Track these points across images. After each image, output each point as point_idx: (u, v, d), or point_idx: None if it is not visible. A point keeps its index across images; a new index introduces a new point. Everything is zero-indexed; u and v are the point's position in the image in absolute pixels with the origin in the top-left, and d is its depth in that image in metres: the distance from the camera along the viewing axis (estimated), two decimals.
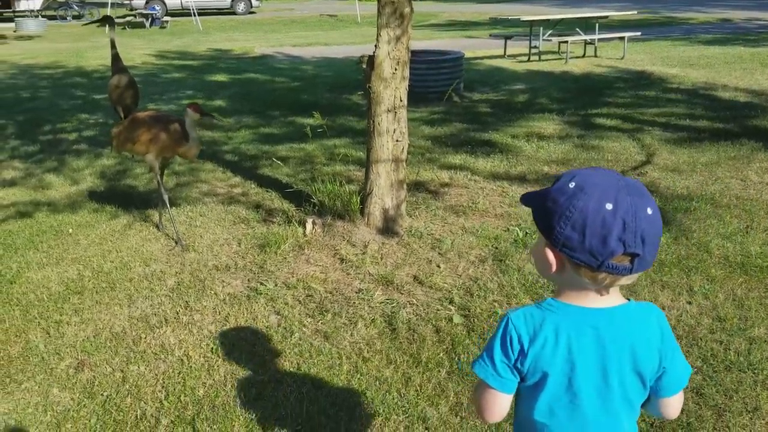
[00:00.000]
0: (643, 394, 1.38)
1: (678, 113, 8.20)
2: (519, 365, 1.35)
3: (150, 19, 23.04)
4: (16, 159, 6.80)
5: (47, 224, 4.89)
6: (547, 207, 1.30)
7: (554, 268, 1.32)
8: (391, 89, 4.16)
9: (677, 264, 4.02)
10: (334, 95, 10.06)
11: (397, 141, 4.29)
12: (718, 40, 16.15)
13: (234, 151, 6.95)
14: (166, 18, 23.89)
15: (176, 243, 4.42)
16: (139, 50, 16.21)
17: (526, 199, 1.40)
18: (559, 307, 1.34)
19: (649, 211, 1.24)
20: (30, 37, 20.98)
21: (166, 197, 4.48)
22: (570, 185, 1.27)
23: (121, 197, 5.51)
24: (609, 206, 1.22)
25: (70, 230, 4.76)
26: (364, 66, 4.25)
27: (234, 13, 28.62)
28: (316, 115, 4.71)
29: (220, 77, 12.27)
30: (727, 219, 4.70)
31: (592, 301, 1.33)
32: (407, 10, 4.10)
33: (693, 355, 3.10)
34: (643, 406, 1.43)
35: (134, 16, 23.71)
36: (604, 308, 1.33)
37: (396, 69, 4.14)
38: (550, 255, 1.31)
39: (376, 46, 4.13)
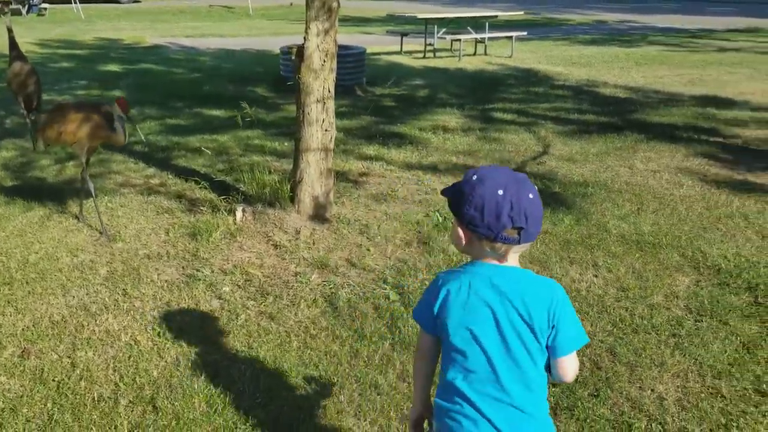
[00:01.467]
0: (537, 346, 1.64)
1: (567, 108, 8.84)
2: (435, 308, 1.70)
3: (27, 6, 21.72)
4: None
5: None
6: (457, 195, 1.67)
7: (464, 241, 1.68)
8: (321, 80, 4.33)
9: (581, 242, 4.45)
10: (237, 87, 10.02)
11: (326, 131, 4.46)
12: (595, 41, 17.34)
13: (142, 142, 6.82)
14: (44, 5, 22.58)
15: (101, 233, 4.36)
16: (19, 39, 15.19)
17: (444, 192, 1.74)
18: (474, 264, 1.71)
19: (531, 195, 1.61)
20: None
21: (91, 187, 4.41)
22: (473, 178, 1.65)
23: (31, 189, 5.32)
24: (500, 192, 1.60)
25: None
26: (293, 57, 4.38)
27: (118, 2, 27.45)
28: (244, 105, 4.77)
29: (113, 67, 11.85)
30: (620, 202, 5.22)
31: (495, 263, 1.69)
32: (335, 4, 4.28)
33: (604, 320, 3.49)
34: (548, 371, 1.70)
35: (10, 2, 22.22)
36: (504, 266, 1.68)
37: (325, 61, 4.31)
38: (461, 232, 1.68)
39: (305, 38, 4.27)
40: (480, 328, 1.64)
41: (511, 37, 14.68)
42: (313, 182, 4.51)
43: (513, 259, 1.68)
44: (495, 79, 11.30)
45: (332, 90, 4.42)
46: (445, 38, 14.47)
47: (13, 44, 6.35)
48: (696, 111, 8.58)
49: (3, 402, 2.76)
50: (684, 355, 3.17)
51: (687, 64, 13.04)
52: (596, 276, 4.00)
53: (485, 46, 14.79)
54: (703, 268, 4.10)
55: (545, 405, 1.69)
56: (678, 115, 8.35)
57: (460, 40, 13.89)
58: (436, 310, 1.69)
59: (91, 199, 4.51)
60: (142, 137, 4.06)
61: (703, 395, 2.89)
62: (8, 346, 3.14)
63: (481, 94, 9.85)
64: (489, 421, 1.62)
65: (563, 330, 1.63)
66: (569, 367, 1.67)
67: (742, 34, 19.11)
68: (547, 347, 1.65)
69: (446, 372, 1.69)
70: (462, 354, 1.66)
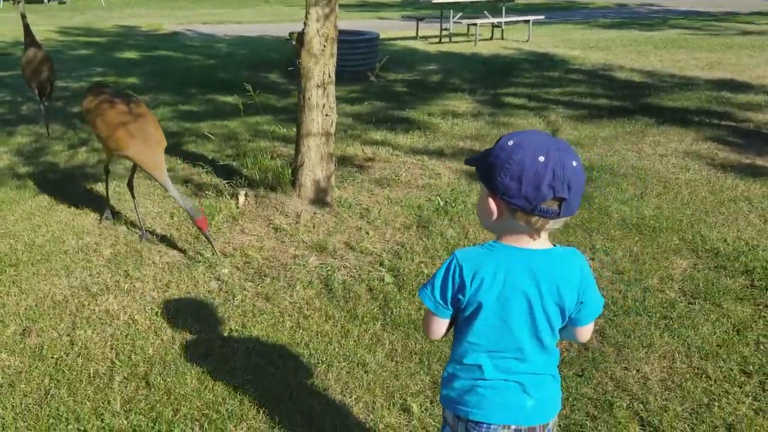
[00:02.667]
0: (562, 323, 1.66)
1: (579, 92, 8.78)
2: (460, 296, 1.58)
3: None
4: None
5: None
6: (489, 162, 1.51)
7: (495, 215, 1.54)
8: (321, 65, 4.36)
9: (581, 226, 4.46)
10: (251, 73, 10.08)
11: (326, 115, 4.49)
12: (615, 24, 17.13)
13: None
14: None
15: (140, 236, 4.25)
16: (39, 26, 15.46)
17: (471, 161, 1.62)
18: (499, 248, 1.58)
19: (574, 163, 1.47)
20: None
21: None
22: (509, 143, 1.50)
23: (42, 174, 5.46)
24: (541, 158, 1.44)
25: None
26: (294, 42, 4.42)
27: None
28: (249, 89, 4.82)
29: (131, 54, 11.99)
30: (624, 186, 5.20)
31: (526, 243, 1.57)
32: None
33: None
34: (559, 331, 1.71)
35: None
36: (537, 249, 1.57)
37: (325, 46, 4.34)
38: (492, 203, 1.53)
39: (305, 23, 4.31)
40: (513, 316, 1.58)
41: (528, 21, 14.57)
42: (314, 167, 4.56)
43: (545, 236, 1.58)
44: (509, 64, 11.24)
45: (332, 75, 4.46)
46: (461, 23, 14.40)
47: (26, 31, 6.45)
48: (710, 95, 8.47)
49: (2, 378, 2.86)
50: (673, 337, 3.18)
51: (706, 47, 12.84)
52: (592, 259, 4.01)
53: (502, 30, 14.69)
54: (702, 251, 4.09)
55: (557, 361, 1.72)
56: (691, 99, 8.26)
57: (476, 24, 13.82)
58: (466, 296, 1.58)
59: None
60: (216, 250, 4.01)
61: (688, 376, 2.90)
62: (10, 325, 3.25)
63: (493, 79, 9.82)
64: (517, 383, 1.64)
65: (588, 303, 1.63)
66: (588, 331, 1.71)
67: (766, 17, 18.73)
68: (569, 317, 1.64)
69: (465, 355, 1.66)
70: (488, 338, 1.61)
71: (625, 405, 2.71)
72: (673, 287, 3.67)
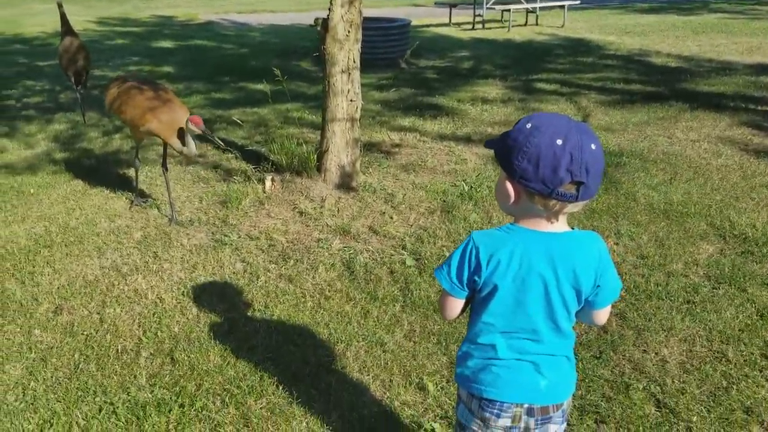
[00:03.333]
0: (578, 306, 1.65)
1: (613, 78, 8.65)
2: (476, 277, 1.59)
3: None
4: None
5: (7, 185, 4.98)
6: (507, 145, 1.49)
7: (512, 198, 1.53)
8: (345, 51, 4.40)
9: (606, 211, 4.42)
10: (283, 61, 10.17)
11: (351, 101, 4.53)
12: (653, 9, 16.80)
13: (220, 145, 7.05)
14: None
15: (170, 219, 4.34)
16: (78, 17, 15.81)
17: (489, 143, 1.59)
18: (517, 230, 1.57)
19: (593, 146, 1.45)
20: None
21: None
22: (527, 125, 1.47)
23: (78, 160, 5.61)
24: (559, 141, 1.42)
25: (32, 190, 4.87)
26: (319, 28, 4.46)
27: None
28: (276, 72, 4.88)
29: (166, 44, 12.19)
30: (653, 172, 5.14)
31: (544, 227, 1.56)
32: None
33: None
34: (576, 314, 1.70)
35: None
36: (554, 232, 1.56)
37: (349, 31, 4.37)
38: (509, 187, 1.52)
39: (329, 9, 4.34)
40: (529, 298, 1.58)
41: (563, 7, 14.38)
42: (339, 152, 4.61)
43: (563, 220, 1.56)
44: (543, 50, 11.13)
45: (357, 60, 4.49)
46: (494, 9, 14.27)
47: (63, 20, 6.61)
48: (748, 80, 8.27)
49: (35, 353, 2.98)
50: (694, 321, 3.15)
51: (747, 31, 12.51)
52: (617, 244, 3.98)
53: (536, 16, 14.53)
54: (729, 236, 4.03)
55: (573, 343, 1.72)
56: (728, 84, 8.08)
57: (509, 10, 13.69)
58: (482, 277, 1.58)
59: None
60: (220, 143, 4.09)
61: (707, 359, 2.88)
62: (44, 303, 3.38)
63: (526, 65, 9.73)
64: (531, 363, 1.65)
65: (605, 286, 1.62)
66: (605, 315, 1.72)
67: None
68: (586, 300, 1.63)
69: (479, 334, 1.67)
70: (503, 318, 1.62)
71: (641, 387, 2.71)
72: (697, 272, 3.63)
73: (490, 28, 13.84)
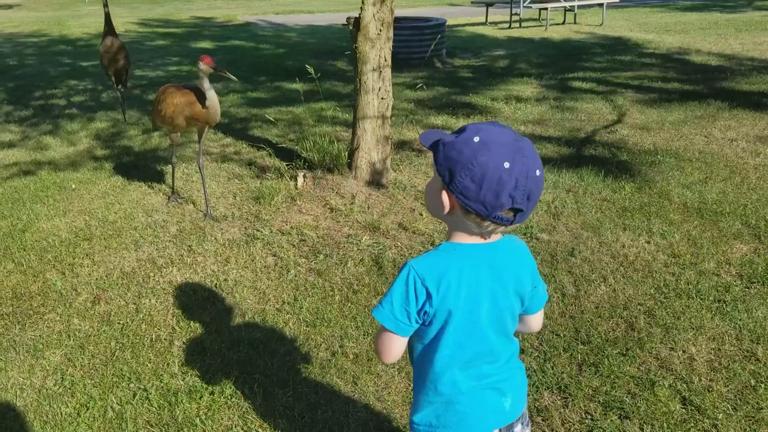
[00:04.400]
0: (520, 309, 1.60)
1: (651, 76, 8.54)
2: (427, 308, 1.47)
3: None
4: (11, 123, 7.01)
5: (50, 181, 5.16)
6: (451, 156, 1.38)
7: (446, 210, 1.43)
8: (377, 49, 4.45)
9: (639, 210, 4.39)
10: (319, 61, 10.28)
11: (382, 99, 4.58)
12: (695, 7, 16.49)
13: (224, 114, 7.19)
14: None
15: (205, 214, 4.43)
16: (122, 18, 16.23)
17: (426, 140, 1.47)
18: (458, 248, 1.48)
19: (538, 172, 1.37)
20: (9, 6, 20.83)
21: (202, 172, 4.56)
22: (475, 139, 1.36)
23: (118, 156, 5.77)
24: (507, 165, 1.33)
25: (73, 186, 5.03)
26: (351, 28, 4.52)
27: None
28: (310, 71, 4.96)
29: (205, 44, 12.42)
30: (688, 171, 5.07)
31: (478, 239, 1.49)
32: None
33: (647, 285, 3.47)
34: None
35: None
36: (492, 242, 1.50)
37: (381, 30, 4.42)
38: (446, 198, 1.42)
39: (361, 8, 4.40)
40: (482, 316, 1.50)
41: (602, 5, 14.21)
42: (370, 149, 4.66)
43: (497, 234, 1.50)
44: (580, 49, 11.03)
45: (389, 59, 4.53)
46: (531, 7, 14.19)
47: (107, 20, 6.78)
48: None
49: (74, 340, 3.10)
50: (724, 320, 3.12)
51: None
52: (648, 242, 3.95)
53: (574, 14, 14.40)
54: (765, 236, 3.96)
55: (518, 350, 1.68)
56: None
57: (547, 9, 13.59)
58: (434, 306, 1.46)
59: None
60: (233, 78, 4.13)
61: (736, 358, 2.85)
62: (83, 293, 3.50)
63: (562, 64, 9.66)
64: (493, 388, 1.58)
65: (540, 288, 1.60)
66: (541, 319, 1.70)
67: None
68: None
69: (436, 373, 1.55)
70: (460, 347, 1.52)
71: (667, 384, 2.70)
72: (730, 271, 3.58)
73: (527, 27, 13.76)
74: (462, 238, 1.48)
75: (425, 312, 1.47)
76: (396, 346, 1.52)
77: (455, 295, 1.45)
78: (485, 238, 1.48)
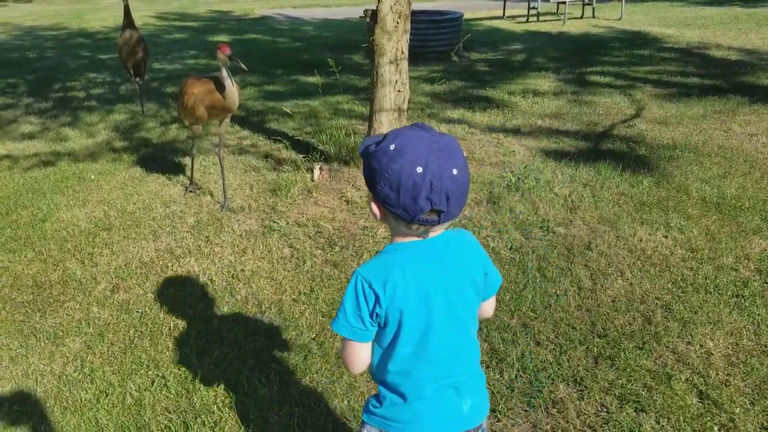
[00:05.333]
0: (478, 301, 1.60)
1: (670, 71, 8.46)
2: (377, 310, 1.47)
3: None
4: (31, 114, 7.08)
5: (70, 171, 5.21)
6: (372, 166, 1.43)
7: (379, 217, 1.49)
8: (394, 42, 4.45)
9: (657, 204, 4.36)
10: (335, 55, 10.28)
11: (398, 91, 4.58)
12: (716, 1, 16.27)
13: (241, 106, 7.21)
14: None
15: (222, 205, 4.45)
16: (139, 12, 16.29)
17: (362, 150, 1.50)
18: (400, 248, 1.50)
19: (455, 172, 1.38)
20: (29, 0, 21.00)
21: (221, 160, 4.57)
22: (391, 147, 1.40)
23: (136, 148, 5.82)
24: (419, 169, 1.36)
25: (92, 176, 5.09)
26: (368, 20, 4.52)
27: None
28: (331, 64, 4.98)
29: (222, 38, 12.45)
30: (707, 165, 5.03)
31: (417, 238, 1.50)
32: None
33: (664, 279, 3.45)
34: None
35: None
36: (434, 238, 1.51)
37: (398, 22, 4.42)
38: (375, 207, 1.48)
39: (379, 0, 4.40)
40: (436, 313, 1.49)
41: None
42: None
43: (438, 229, 1.51)
44: (598, 43, 10.94)
45: (406, 51, 4.53)
46: (549, 1, 14.09)
47: (126, 12, 6.81)
48: None
49: (93, 328, 3.14)
50: (742, 315, 3.10)
51: None
52: (666, 237, 3.93)
53: (593, 8, 14.27)
54: None
55: (479, 357, 1.67)
56: None
57: (565, 2, 13.49)
58: (383, 307, 1.46)
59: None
60: (245, 67, 4.16)
61: (754, 352, 2.83)
62: (102, 282, 3.54)
63: (580, 58, 9.59)
64: (452, 387, 1.56)
65: (491, 274, 1.61)
66: (493, 305, 1.70)
67: None
68: None
69: (393, 371, 1.54)
70: (417, 345, 1.51)
71: (684, 378, 2.68)
72: (748, 266, 3.56)
73: (544, 21, 13.67)
74: (402, 239, 1.51)
75: (376, 314, 1.48)
76: (359, 354, 1.54)
77: (403, 294, 1.46)
78: (423, 237, 1.49)
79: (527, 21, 13.82)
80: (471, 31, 11.77)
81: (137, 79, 6.86)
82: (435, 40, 9.73)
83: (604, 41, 11.06)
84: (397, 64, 4.52)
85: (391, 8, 4.38)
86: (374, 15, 4.45)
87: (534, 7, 13.92)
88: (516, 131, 6.05)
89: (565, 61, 9.46)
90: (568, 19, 13.58)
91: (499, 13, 14.75)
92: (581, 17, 14.12)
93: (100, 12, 16.56)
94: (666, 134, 5.86)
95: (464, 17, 10.55)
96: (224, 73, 4.08)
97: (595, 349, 2.89)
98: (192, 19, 15.42)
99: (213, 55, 4.01)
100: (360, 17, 4.71)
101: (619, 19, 13.57)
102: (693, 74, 8.26)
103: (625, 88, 7.62)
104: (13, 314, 3.28)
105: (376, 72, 4.54)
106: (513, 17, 14.32)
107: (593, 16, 14.09)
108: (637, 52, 9.95)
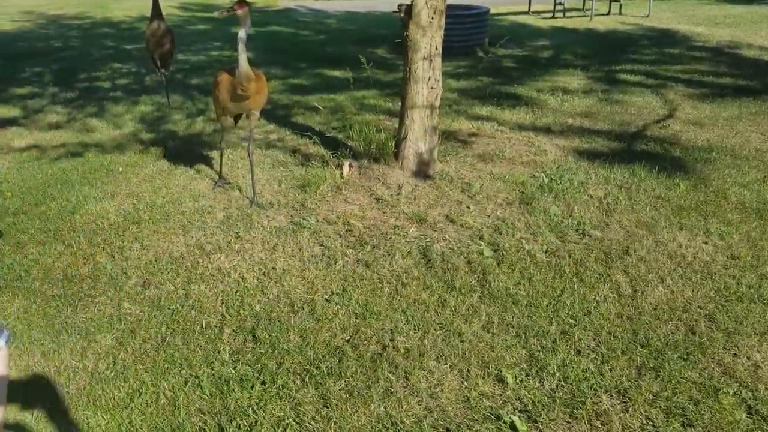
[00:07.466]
0: None
1: (702, 70, 8.29)
2: None
3: None
4: (57, 104, 7.07)
5: (98, 163, 5.19)
6: None
7: None
8: (428, 37, 4.36)
9: (695, 208, 4.25)
10: (359, 48, 10.18)
11: (431, 88, 4.50)
12: None
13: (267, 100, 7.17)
14: None
15: (251, 201, 4.42)
16: (163, 2, 16.28)
17: None
18: None
19: None
20: None
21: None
22: None
23: (163, 140, 5.79)
24: None
25: (120, 169, 5.06)
26: (401, 15, 4.44)
27: None
28: (362, 60, 4.91)
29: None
30: (745, 169, 4.90)
31: None
32: None
33: (707, 287, 3.36)
34: None
35: None
36: None
37: (433, 17, 4.34)
38: None
39: None
40: None
41: None
42: (417, 139, 4.59)
43: None
44: (627, 40, 10.77)
45: (440, 47, 4.45)
46: None
47: (154, 4, 6.77)
48: None
49: (125, 324, 3.10)
50: None
51: None
52: (706, 243, 3.82)
53: (620, 5, 14.07)
54: None
55: None
56: None
57: None
58: None
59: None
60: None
61: None
62: (132, 277, 3.51)
63: (609, 55, 9.44)
64: None
65: None
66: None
67: None
68: None
69: None
70: None
71: (731, 392, 2.60)
72: None
73: (570, 17, 13.49)
74: None
75: None
76: None
77: None
78: None
79: (553, 17, 13.65)
80: (496, 26, 11.63)
81: (163, 70, 6.82)
82: (459, 36, 9.61)
83: (632, 39, 10.90)
84: (431, 60, 4.43)
85: (426, 3, 4.29)
86: (408, 10, 4.36)
87: (560, 3, 13.75)
88: (547, 130, 5.95)
89: (593, 58, 9.31)
90: (595, 15, 13.40)
91: (525, 8, 14.59)
92: (608, 14, 13.93)
93: (123, 2, 16.57)
94: (701, 136, 5.73)
95: (490, 12, 10.42)
96: (240, 46, 4.00)
97: (638, 358, 2.81)
98: (215, 10, 15.38)
99: (235, 47, 3.95)
100: (393, 12, 4.62)
101: (647, 16, 13.37)
102: (725, 74, 8.10)
103: (656, 88, 7.48)
104: (45, 308, 3.25)
105: (409, 68, 4.46)
106: (538, 13, 14.15)
107: (620, 13, 13.90)
108: (667, 51, 9.78)
